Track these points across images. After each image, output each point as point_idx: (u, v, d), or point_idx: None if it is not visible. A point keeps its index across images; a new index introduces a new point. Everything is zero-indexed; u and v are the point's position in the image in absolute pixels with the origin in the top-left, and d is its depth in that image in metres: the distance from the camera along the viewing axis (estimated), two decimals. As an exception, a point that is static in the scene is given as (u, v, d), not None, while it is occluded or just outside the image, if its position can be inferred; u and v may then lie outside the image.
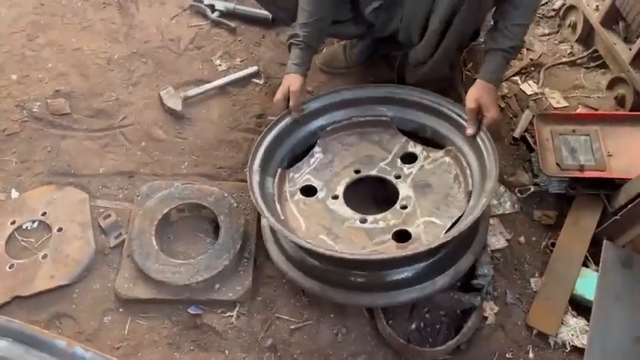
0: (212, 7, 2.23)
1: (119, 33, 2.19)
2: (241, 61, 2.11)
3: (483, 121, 1.53)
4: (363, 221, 1.49)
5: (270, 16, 2.19)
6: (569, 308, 1.47)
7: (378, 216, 1.49)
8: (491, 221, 1.63)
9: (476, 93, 1.53)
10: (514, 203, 1.68)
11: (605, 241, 1.51)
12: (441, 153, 1.62)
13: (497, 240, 1.60)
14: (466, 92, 1.57)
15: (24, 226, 1.64)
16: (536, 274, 1.55)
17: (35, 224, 1.65)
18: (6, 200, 1.71)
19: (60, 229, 1.62)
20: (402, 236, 1.44)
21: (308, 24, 1.65)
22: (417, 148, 1.65)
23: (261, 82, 2.03)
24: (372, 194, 1.66)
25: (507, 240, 1.61)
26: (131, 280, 1.52)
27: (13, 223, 1.64)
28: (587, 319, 1.43)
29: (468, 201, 1.46)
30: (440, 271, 1.39)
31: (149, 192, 1.69)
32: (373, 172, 1.61)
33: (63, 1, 2.30)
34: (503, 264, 1.57)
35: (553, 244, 1.59)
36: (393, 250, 1.41)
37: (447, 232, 1.41)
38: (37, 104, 1.95)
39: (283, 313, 1.50)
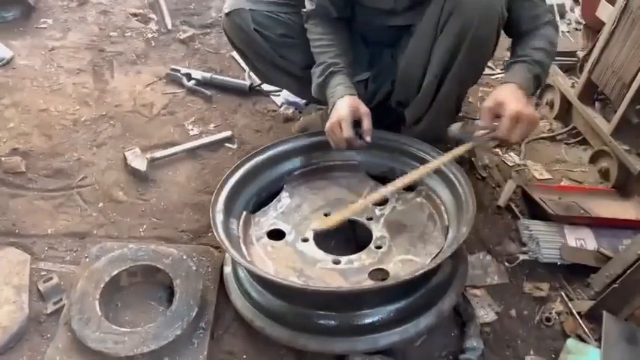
0: (189, 76, 2.20)
1: (90, 97, 2.13)
2: (215, 126, 2.03)
3: (505, 114, 1.30)
4: (337, 262, 1.38)
5: (248, 85, 2.16)
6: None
7: (353, 257, 1.39)
8: (478, 292, 1.49)
9: (496, 92, 1.38)
10: (502, 274, 1.54)
11: (605, 314, 1.36)
12: (412, 194, 1.55)
13: (485, 313, 1.44)
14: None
15: (-49, 288, 1.44)
16: (532, 352, 1.37)
17: (-36, 286, 1.45)
18: (-64, 260, 1.51)
19: (-10, 293, 1.42)
20: (378, 275, 1.34)
21: (342, 54, 1.58)
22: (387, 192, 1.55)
23: (234, 146, 1.94)
24: (344, 237, 1.54)
25: (497, 313, 1.44)
26: (65, 351, 1.30)
27: (-62, 284, 1.43)
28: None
29: (446, 237, 1.36)
30: (422, 311, 1.27)
31: (100, 254, 1.51)
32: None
33: (36, 66, 2.26)
34: (494, 339, 1.39)
35: (548, 319, 1.43)
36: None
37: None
38: (-9, 162, 1.82)
39: (243, 397, 1.29)
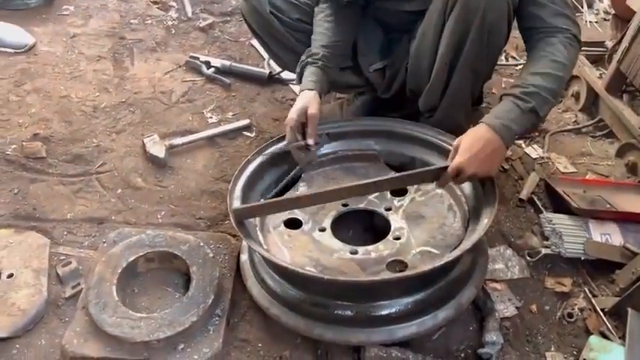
0: (208, 64, 2.19)
1: (110, 84, 2.13)
2: (233, 115, 2.02)
3: (450, 165, 1.28)
4: (354, 252, 1.35)
5: (267, 74, 2.15)
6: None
7: (370, 247, 1.36)
8: (499, 286, 1.45)
9: (466, 133, 1.31)
10: (523, 268, 1.50)
11: (630, 311, 1.32)
12: (432, 185, 1.50)
13: (505, 307, 1.40)
14: None
15: (-28, 271, 1.46)
16: (552, 349, 1.34)
17: (-16, 269, 1.47)
18: (-42, 242, 1.53)
19: (10, 275, 1.43)
20: (397, 267, 1.32)
21: (328, 46, 1.56)
22: None
23: (252, 135, 1.93)
24: (362, 227, 1.53)
25: (517, 308, 1.41)
26: (82, 335, 1.31)
27: (-40, 266, 1.45)
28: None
29: (466, 229, 1.34)
30: (440, 304, 1.25)
31: (117, 239, 1.52)
32: (362, 205, 1.50)
33: (57, 52, 2.27)
34: (514, 334, 1.36)
35: (570, 315, 1.40)
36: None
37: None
38: (12, 147, 1.83)
39: (256, 384, 1.28)
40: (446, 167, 1.30)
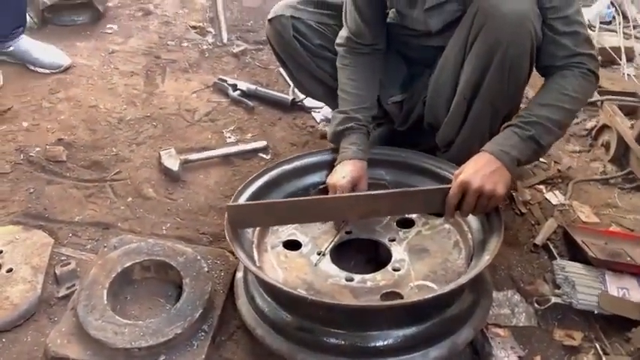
0: (234, 87, 2.24)
1: (138, 98, 2.19)
2: (252, 136, 2.04)
3: (454, 182, 1.28)
4: (350, 280, 1.31)
5: (290, 100, 2.17)
6: None
7: (367, 276, 1.32)
8: (502, 332, 1.37)
9: (466, 162, 1.32)
10: (530, 316, 1.42)
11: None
12: (440, 220, 1.46)
13: (506, 355, 1.31)
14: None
15: (-25, 262, 1.48)
16: (556, 406, 1.24)
17: (-14, 262, 1.49)
18: (-33, 234, 1.57)
19: (10, 270, 1.45)
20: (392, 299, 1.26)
21: (365, 108, 1.57)
22: (414, 214, 1.50)
23: (268, 157, 1.94)
24: (363, 257, 1.49)
25: (520, 357, 1.32)
26: (66, 335, 1.29)
27: (-36, 256, 1.48)
28: None
29: (469, 267, 1.27)
30: (433, 341, 1.18)
31: (118, 245, 1.52)
32: (365, 234, 1.46)
33: (94, 66, 2.36)
34: (513, 385, 1.27)
35: (577, 371, 1.30)
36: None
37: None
38: (37, 149, 1.89)
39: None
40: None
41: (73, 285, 1.45)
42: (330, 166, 1.56)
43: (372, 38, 1.61)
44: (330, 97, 1.77)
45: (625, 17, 2.92)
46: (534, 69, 1.46)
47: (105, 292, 1.36)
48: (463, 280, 1.16)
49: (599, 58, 1.47)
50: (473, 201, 1.27)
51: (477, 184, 1.25)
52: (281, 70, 2.36)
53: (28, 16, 2.50)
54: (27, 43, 2.29)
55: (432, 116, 1.63)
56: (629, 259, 1.51)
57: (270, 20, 1.67)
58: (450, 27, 1.49)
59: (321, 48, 1.68)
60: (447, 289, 1.14)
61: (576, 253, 1.56)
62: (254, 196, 1.46)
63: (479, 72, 1.40)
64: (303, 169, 1.58)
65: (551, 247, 1.60)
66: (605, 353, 1.34)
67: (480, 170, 1.27)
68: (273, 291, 1.24)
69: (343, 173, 1.46)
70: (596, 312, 1.39)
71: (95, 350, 1.26)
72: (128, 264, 1.43)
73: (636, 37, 2.81)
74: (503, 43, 1.33)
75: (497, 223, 1.29)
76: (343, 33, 1.64)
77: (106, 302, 1.34)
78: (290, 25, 1.64)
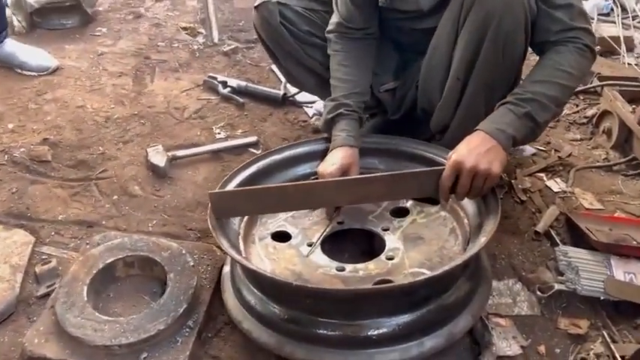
0: (224, 84, 2.19)
1: (126, 97, 2.15)
2: (243, 132, 1.99)
3: (447, 163, 1.23)
4: (341, 270, 1.25)
5: (281, 95, 2.12)
6: None
7: (359, 265, 1.26)
8: (503, 322, 1.30)
9: (460, 143, 1.26)
10: (533, 305, 1.35)
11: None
12: (435, 208, 1.40)
13: (508, 345, 1.24)
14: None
15: (-48, 263, 1.42)
16: (561, 397, 1.16)
17: (-36, 262, 1.43)
18: (-54, 234, 1.52)
19: (-13, 269, 1.40)
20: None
21: (356, 94, 1.51)
22: (408, 203, 1.44)
23: (259, 152, 1.87)
24: (357, 248, 1.42)
25: (522, 347, 1.25)
26: (44, 334, 1.23)
27: (-58, 257, 1.43)
28: None
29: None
30: (429, 330, 1.12)
31: (101, 242, 1.46)
32: (358, 224, 1.40)
33: (82, 67, 2.33)
34: (516, 376, 1.19)
35: (584, 360, 1.22)
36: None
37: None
38: (21, 150, 1.84)
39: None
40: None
41: (54, 284, 1.39)
42: (322, 155, 1.51)
43: (363, 22, 1.56)
44: (321, 87, 1.71)
45: (624, 9, 2.87)
46: (530, 48, 1.41)
47: (85, 288, 1.30)
48: (457, 261, 1.09)
49: (598, 47, 1.42)
50: (467, 182, 1.21)
51: (470, 164, 1.19)
52: (273, 67, 2.32)
53: (16, 20, 2.48)
54: (12, 47, 2.25)
55: (426, 101, 1.57)
56: (635, 242, 1.44)
57: (256, 7, 1.62)
58: (441, 6, 1.44)
59: (309, 34, 1.63)
60: (439, 271, 1.07)
61: (579, 241, 1.49)
62: (241, 185, 1.40)
63: (472, 48, 1.35)
64: (294, 159, 1.53)
65: (553, 234, 1.53)
66: (614, 341, 1.26)
67: (473, 149, 1.21)
68: (257, 279, 1.18)
69: (333, 160, 1.41)
70: (602, 298, 1.32)
71: (74, 348, 1.20)
72: (110, 260, 1.38)
73: (635, 27, 2.76)
74: (495, 16, 1.28)
75: (493, 205, 1.23)
76: (334, 19, 1.59)
77: (86, 299, 1.28)
78: (277, 11, 1.59)
